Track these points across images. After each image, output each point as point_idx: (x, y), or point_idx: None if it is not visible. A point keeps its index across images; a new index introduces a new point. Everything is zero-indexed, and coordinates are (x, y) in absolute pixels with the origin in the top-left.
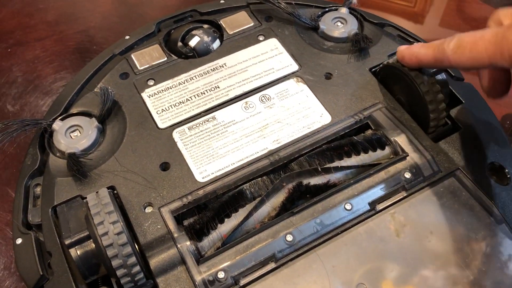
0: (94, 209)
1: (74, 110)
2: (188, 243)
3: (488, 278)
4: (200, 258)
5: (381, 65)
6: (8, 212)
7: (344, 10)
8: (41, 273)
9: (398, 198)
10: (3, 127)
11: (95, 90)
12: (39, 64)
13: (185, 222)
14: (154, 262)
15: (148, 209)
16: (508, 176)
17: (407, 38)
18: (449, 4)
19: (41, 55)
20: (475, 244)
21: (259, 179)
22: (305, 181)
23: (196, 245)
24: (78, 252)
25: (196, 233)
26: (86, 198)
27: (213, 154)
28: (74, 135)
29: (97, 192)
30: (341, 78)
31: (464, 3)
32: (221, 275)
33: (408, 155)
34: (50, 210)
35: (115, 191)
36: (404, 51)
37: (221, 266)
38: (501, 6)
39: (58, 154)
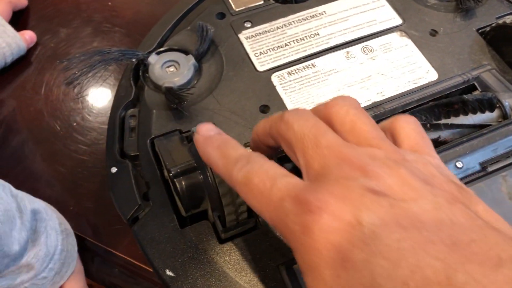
0: None
1: (168, 45)
2: None
3: None
4: None
5: (492, 25)
6: (86, 146)
7: None
8: (139, 203)
9: (510, 161)
10: (104, 54)
11: (189, 27)
12: (116, 4)
13: (287, 166)
14: None
15: (250, 150)
16: None
17: None
18: None
19: None
20: None
21: None
22: None
23: None
24: (184, 183)
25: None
26: (184, 133)
27: (314, 101)
28: (170, 70)
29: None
30: (447, 36)
31: None
32: None
33: None
34: (148, 141)
35: None
36: (199, 141)
37: None
38: None
39: (152, 88)
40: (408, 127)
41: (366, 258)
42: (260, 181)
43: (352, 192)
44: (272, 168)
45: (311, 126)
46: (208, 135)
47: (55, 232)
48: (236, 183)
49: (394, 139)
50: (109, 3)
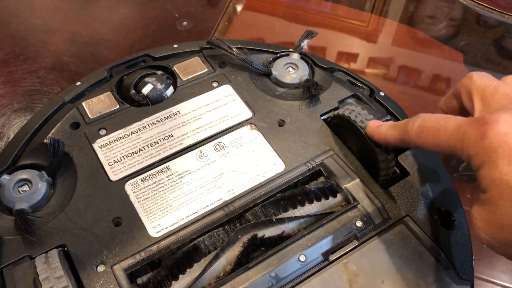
0: (42, 274)
1: (22, 162)
2: None
3: None
4: None
5: (332, 114)
6: None
7: (295, 56)
8: None
9: (350, 248)
10: None
11: (44, 140)
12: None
13: (139, 280)
14: None
15: (101, 268)
16: (454, 220)
17: (356, 82)
18: (400, 25)
19: None
20: None
21: (214, 231)
22: (260, 233)
23: None
24: None
25: None
26: (34, 258)
27: (167, 206)
28: (22, 189)
29: (46, 253)
30: (293, 125)
31: (413, 23)
32: None
33: (359, 203)
34: None
35: (66, 249)
36: (374, 131)
37: None
38: None
39: (5, 211)
40: None
41: None
42: (435, 123)
43: None
44: (441, 114)
45: (493, 81)
46: (378, 125)
47: None
48: (412, 134)
49: None
50: None
